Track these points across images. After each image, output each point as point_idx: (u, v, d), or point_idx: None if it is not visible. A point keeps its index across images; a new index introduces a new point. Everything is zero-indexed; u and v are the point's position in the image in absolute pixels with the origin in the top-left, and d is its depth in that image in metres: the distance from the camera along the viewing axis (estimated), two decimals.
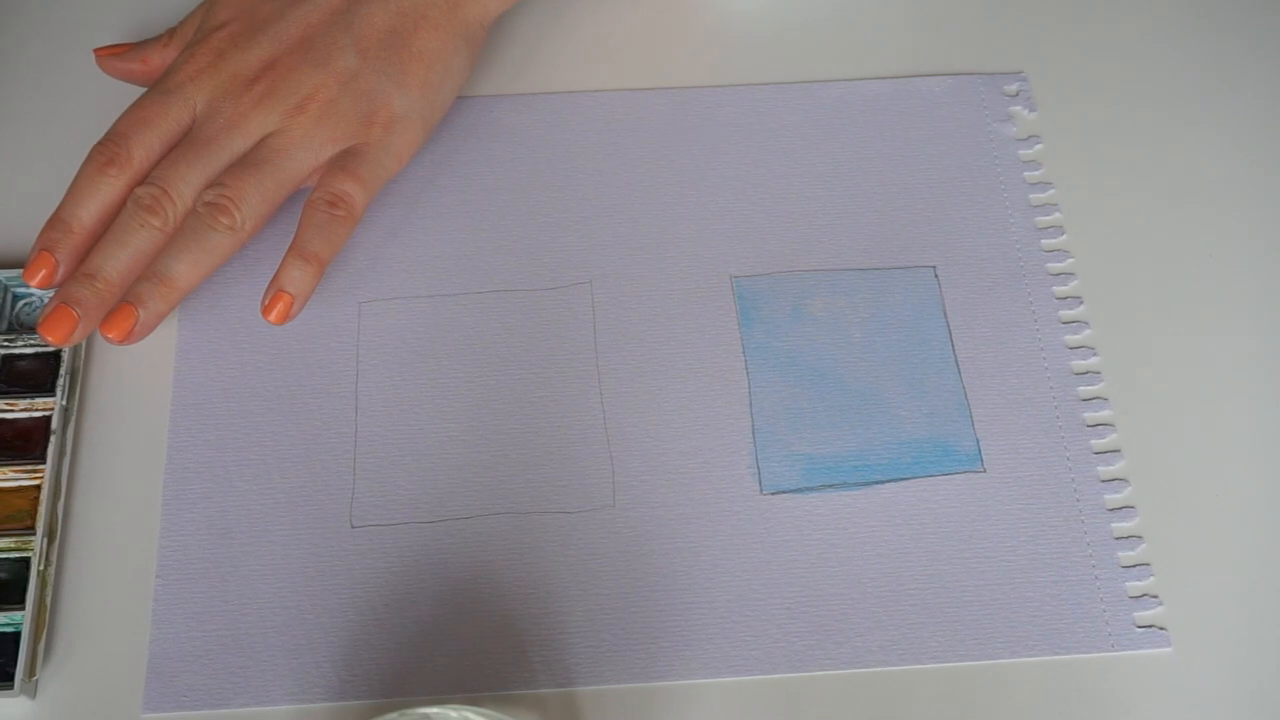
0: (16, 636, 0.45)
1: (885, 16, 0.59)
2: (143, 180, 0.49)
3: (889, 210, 0.54)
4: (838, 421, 0.50)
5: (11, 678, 0.44)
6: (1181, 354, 0.51)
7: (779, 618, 0.46)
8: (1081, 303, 0.52)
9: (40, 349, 0.50)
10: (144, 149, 0.49)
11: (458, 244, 0.53)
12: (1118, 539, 0.48)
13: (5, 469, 0.47)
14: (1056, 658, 0.46)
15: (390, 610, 0.46)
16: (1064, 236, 0.53)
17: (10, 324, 0.50)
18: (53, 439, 0.48)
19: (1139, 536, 0.48)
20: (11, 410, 0.49)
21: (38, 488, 0.47)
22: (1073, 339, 0.51)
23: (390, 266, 0.52)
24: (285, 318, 0.49)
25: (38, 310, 0.51)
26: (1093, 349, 0.51)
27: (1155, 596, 0.47)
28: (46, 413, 0.48)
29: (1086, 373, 0.51)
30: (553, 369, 0.51)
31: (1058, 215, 0.54)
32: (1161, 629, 0.46)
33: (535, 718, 0.45)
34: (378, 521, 0.48)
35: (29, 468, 0.47)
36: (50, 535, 0.47)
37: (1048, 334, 0.51)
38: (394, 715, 0.41)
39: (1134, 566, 0.47)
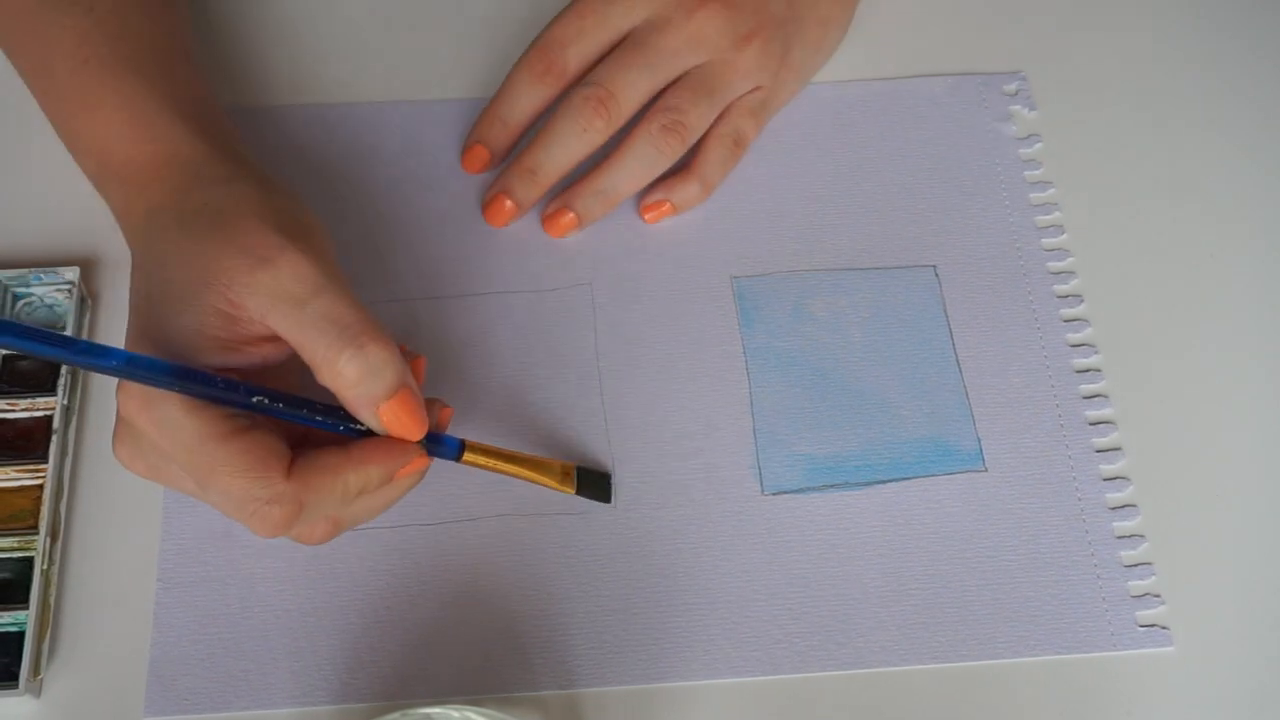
0: (21, 636, 0.45)
1: (885, 17, 0.59)
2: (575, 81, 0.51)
3: (889, 210, 0.54)
4: (839, 421, 0.50)
5: (16, 677, 0.44)
6: (1183, 352, 0.51)
7: (781, 618, 0.46)
8: (1082, 301, 0.52)
9: None
10: (579, 59, 0.51)
11: (458, 245, 0.53)
12: (1120, 538, 0.48)
13: (7, 469, 0.47)
14: (1058, 657, 0.46)
15: (392, 613, 0.46)
16: (1064, 235, 0.54)
17: None
18: (54, 438, 0.48)
19: (1141, 535, 0.48)
20: (13, 410, 0.49)
21: (40, 487, 0.47)
22: (1074, 337, 0.51)
23: (391, 269, 0.52)
24: (656, 221, 0.53)
25: (38, 310, 0.51)
26: (1094, 347, 0.51)
27: (1157, 596, 0.47)
28: (48, 412, 0.48)
29: (1087, 370, 0.51)
30: (553, 370, 0.51)
31: (1058, 214, 0.54)
32: (1164, 628, 0.46)
33: (537, 719, 0.45)
34: (379, 524, 0.47)
35: (31, 467, 0.47)
36: (53, 534, 0.47)
37: (1048, 332, 0.51)
38: (396, 716, 0.41)
39: (1136, 565, 0.47)
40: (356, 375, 0.39)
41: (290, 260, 0.40)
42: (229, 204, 0.42)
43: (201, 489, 0.40)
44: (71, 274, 0.50)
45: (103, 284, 0.52)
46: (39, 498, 0.47)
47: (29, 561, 0.46)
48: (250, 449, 0.39)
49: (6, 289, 0.50)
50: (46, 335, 0.37)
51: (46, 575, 0.46)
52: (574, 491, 0.47)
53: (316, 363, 0.40)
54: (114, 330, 0.51)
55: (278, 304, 0.40)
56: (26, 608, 0.45)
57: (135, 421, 0.39)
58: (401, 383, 0.40)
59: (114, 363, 0.37)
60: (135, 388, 0.39)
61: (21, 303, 0.51)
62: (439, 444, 0.44)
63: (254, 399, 0.40)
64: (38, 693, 0.45)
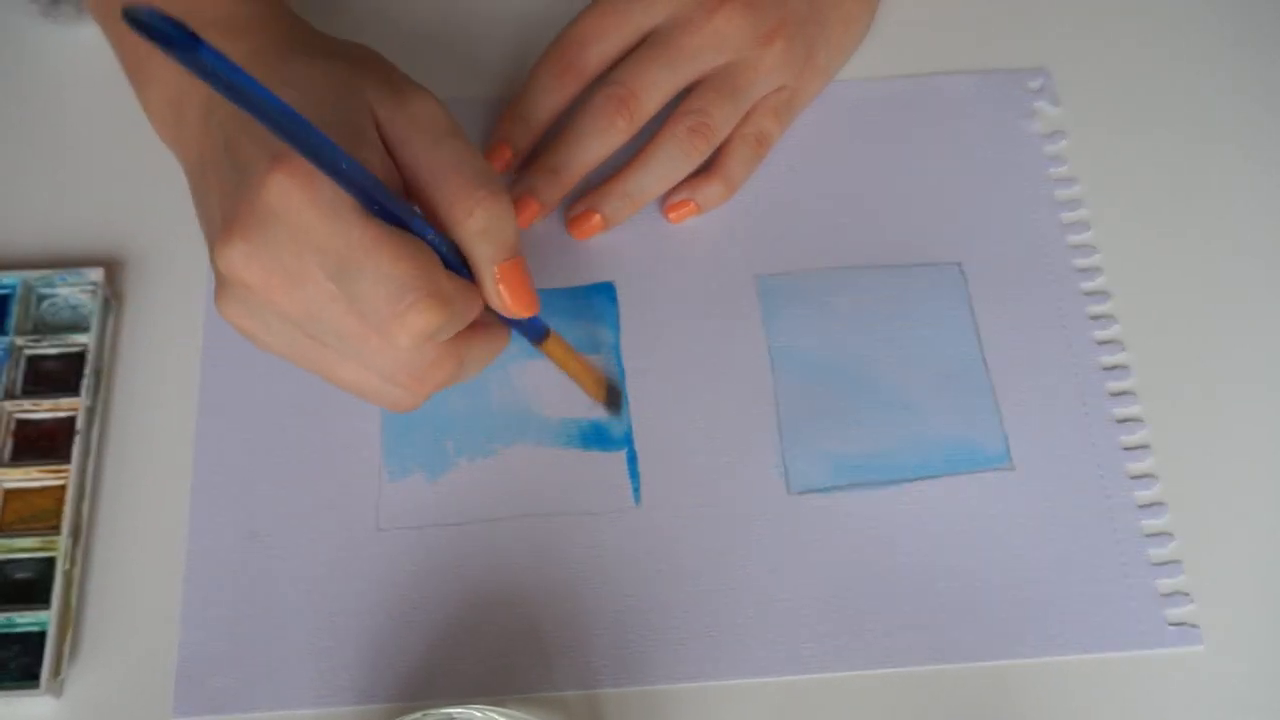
0: (42, 636, 0.45)
1: (908, 14, 0.58)
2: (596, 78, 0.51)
3: (914, 207, 0.54)
4: (865, 420, 0.49)
5: (37, 677, 0.44)
6: (1210, 348, 0.51)
7: (808, 618, 0.46)
8: (1109, 298, 0.52)
9: (64, 349, 0.50)
10: (600, 57, 0.51)
11: None
12: (1148, 536, 0.47)
13: (30, 469, 0.47)
14: (1087, 656, 0.45)
15: (416, 613, 0.46)
16: (1090, 232, 0.53)
17: (35, 324, 0.50)
18: (77, 439, 0.48)
19: (1169, 533, 0.47)
20: (36, 410, 0.49)
21: (63, 487, 0.47)
22: (1101, 334, 0.51)
23: None
24: (680, 220, 0.53)
25: (62, 311, 0.51)
26: (1121, 344, 0.51)
27: (1186, 594, 0.46)
28: (71, 413, 0.48)
29: (1115, 368, 0.50)
30: None
31: (1084, 211, 0.54)
32: (1193, 626, 0.46)
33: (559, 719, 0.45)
34: (404, 524, 0.47)
35: (54, 468, 0.47)
36: (75, 535, 0.47)
37: (1075, 329, 0.51)
38: (418, 716, 0.41)
39: (1165, 564, 0.47)
40: (485, 221, 0.38)
41: (425, 98, 0.39)
42: (347, 44, 0.42)
43: (350, 275, 0.36)
44: (96, 275, 0.50)
45: (127, 285, 0.52)
46: (61, 498, 0.47)
47: (51, 562, 0.46)
48: (411, 240, 0.36)
49: (31, 289, 0.50)
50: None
51: (68, 576, 0.46)
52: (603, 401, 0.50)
53: (444, 200, 0.38)
54: (140, 333, 0.51)
55: (415, 134, 0.38)
56: (48, 608, 0.45)
57: (290, 198, 0.35)
58: (518, 246, 0.40)
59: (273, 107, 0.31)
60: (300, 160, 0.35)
61: (46, 303, 0.51)
62: (530, 322, 0.44)
63: (416, 209, 0.38)
64: (58, 693, 0.45)
